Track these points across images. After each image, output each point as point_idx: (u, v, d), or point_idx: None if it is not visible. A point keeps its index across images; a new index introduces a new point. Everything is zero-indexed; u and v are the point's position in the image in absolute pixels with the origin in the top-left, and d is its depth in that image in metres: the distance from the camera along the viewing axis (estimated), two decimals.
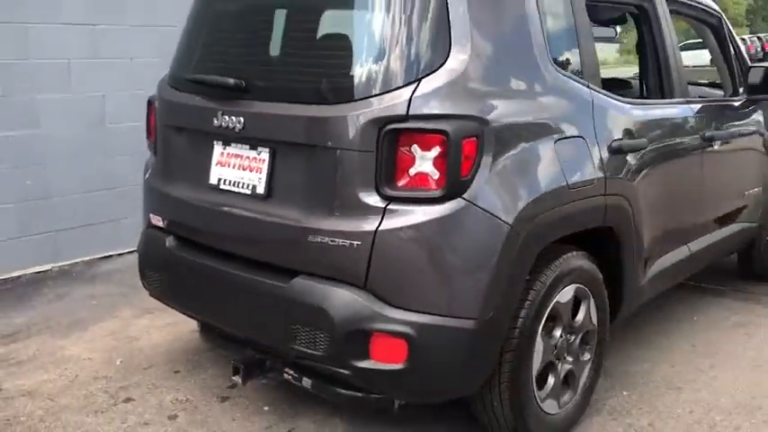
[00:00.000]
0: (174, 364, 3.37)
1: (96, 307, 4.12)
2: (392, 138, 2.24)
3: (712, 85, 4.49)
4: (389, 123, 2.24)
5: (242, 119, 2.54)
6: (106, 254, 4.98)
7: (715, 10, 3.92)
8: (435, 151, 2.22)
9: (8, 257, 4.59)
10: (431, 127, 2.22)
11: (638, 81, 3.81)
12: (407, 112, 2.23)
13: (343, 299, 2.29)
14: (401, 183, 2.26)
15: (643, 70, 3.48)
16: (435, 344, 2.27)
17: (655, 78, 3.34)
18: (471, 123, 2.24)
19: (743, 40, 32.70)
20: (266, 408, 2.97)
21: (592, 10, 2.93)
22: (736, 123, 3.90)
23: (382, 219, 2.25)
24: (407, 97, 2.23)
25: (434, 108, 2.24)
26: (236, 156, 2.63)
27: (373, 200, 2.26)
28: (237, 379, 2.77)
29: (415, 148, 2.23)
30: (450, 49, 2.30)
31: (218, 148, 2.69)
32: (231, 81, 2.56)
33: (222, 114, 2.59)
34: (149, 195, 3.05)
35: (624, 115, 2.92)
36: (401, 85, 2.26)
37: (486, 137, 2.27)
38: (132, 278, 3.58)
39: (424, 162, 2.23)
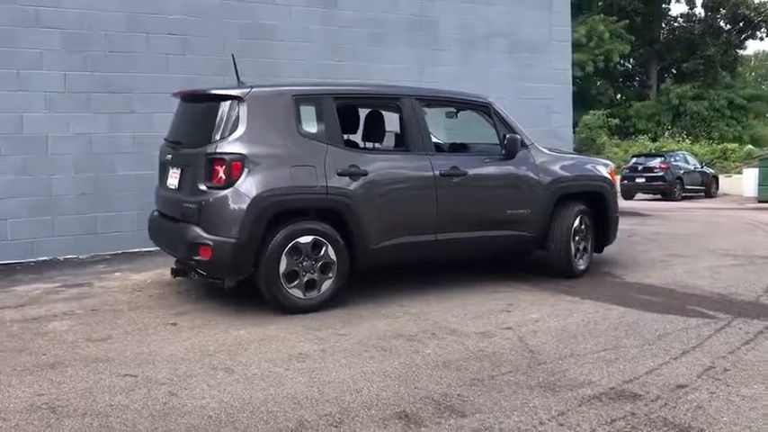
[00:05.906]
0: (170, 281, 6.72)
1: (152, 265, 7.62)
2: (210, 161, 5.40)
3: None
4: (210, 155, 5.41)
5: (172, 155, 5.89)
6: None
7: (482, 100, 6.57)
8: (223, 167, 5.34)
9: (132, 242, 8.34)
10: (221, 157, 5.34)
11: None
12: (215, 150, 5.38)
13: (191, 230, 5.44)
14: (213, 180, 5.38)
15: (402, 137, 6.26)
16: (221, 249, 5.30)
17: (405, 140, 6.14)
18: (238, 155, 5.32)
19: None
20: (193, 296, 6.17)
21: (352, 109, 5.91)
22: (493, 169, 6.41)
23: (206, 195, 5.40)
24: (216, 145, 5.39)
25: (225, 150, 5.35)
26: (174, 172, 5.94)
27: (204, 187, 5.41)
28: (172, 276, 6.08)
29: (218, 166, 5.37)
30: (238, 126, 5.43)
31: (170, 170, 6.03)
32: (172, 140, 5.95)
33: (169, 154, 5.97)
34: (155, 194, 6.47)
35: (350, 156, 5.70)
36: (216, 140, 5.42)
37: (246, 162, 5.32)
38: None
39: (220, 172, 5.36)
